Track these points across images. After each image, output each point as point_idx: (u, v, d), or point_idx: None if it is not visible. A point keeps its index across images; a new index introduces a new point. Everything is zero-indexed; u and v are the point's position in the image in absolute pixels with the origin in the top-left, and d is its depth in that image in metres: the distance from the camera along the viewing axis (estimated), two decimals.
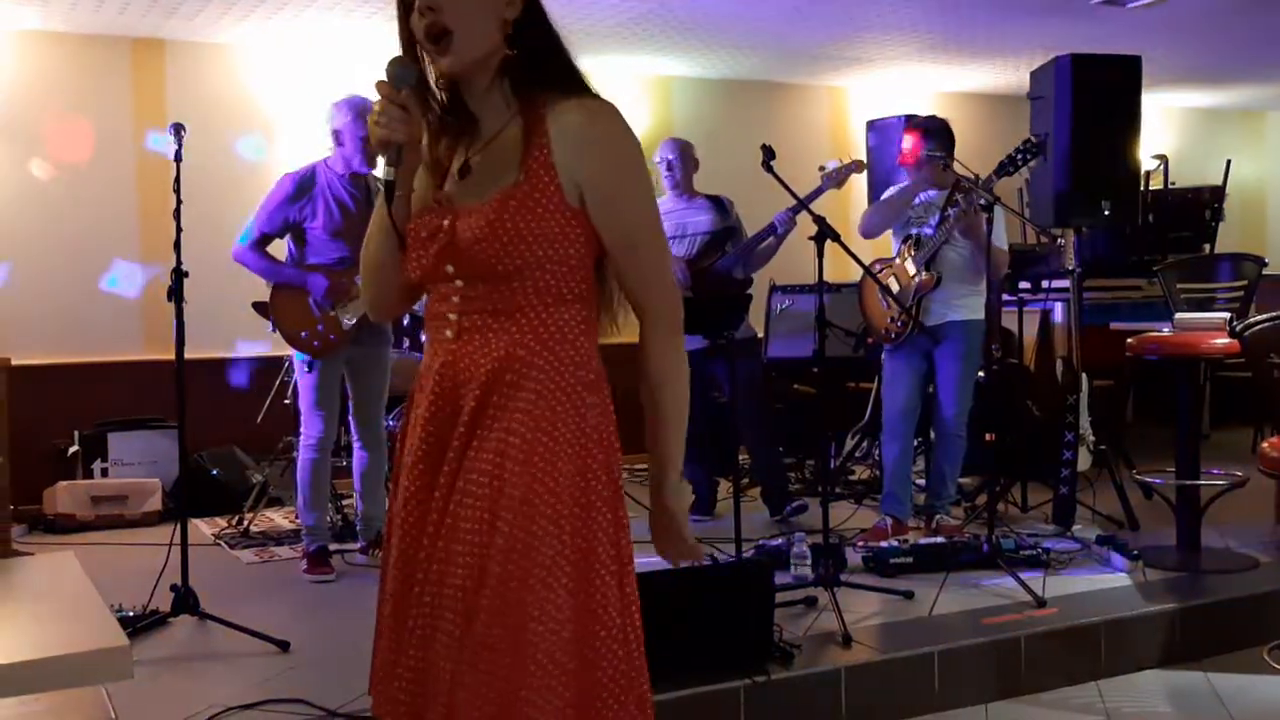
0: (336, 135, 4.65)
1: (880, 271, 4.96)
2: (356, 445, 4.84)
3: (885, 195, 5.20)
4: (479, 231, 1.77)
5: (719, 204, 5.61)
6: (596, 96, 1.88)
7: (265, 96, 6.88)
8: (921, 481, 5.45)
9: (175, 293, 3.97)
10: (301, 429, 4.71)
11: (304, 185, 4.61)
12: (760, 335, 6.13)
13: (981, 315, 4.97)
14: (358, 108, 4.65)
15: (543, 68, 1.86)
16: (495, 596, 1.71)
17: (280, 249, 4.76)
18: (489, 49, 1.82)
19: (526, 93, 1.85)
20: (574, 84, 1.88)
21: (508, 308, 1.80)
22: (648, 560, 3.93)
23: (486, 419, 1.78)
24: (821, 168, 5.28)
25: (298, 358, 4.68)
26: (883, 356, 5.16)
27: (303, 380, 4.67)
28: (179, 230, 4.00)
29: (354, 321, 4.61)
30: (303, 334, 4.61)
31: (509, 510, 1.73)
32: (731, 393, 5.42)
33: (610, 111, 1.87)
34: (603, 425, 1.86)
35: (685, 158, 5.58)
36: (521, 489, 1.74)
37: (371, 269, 1.93)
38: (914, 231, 4.96)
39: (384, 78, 1.81)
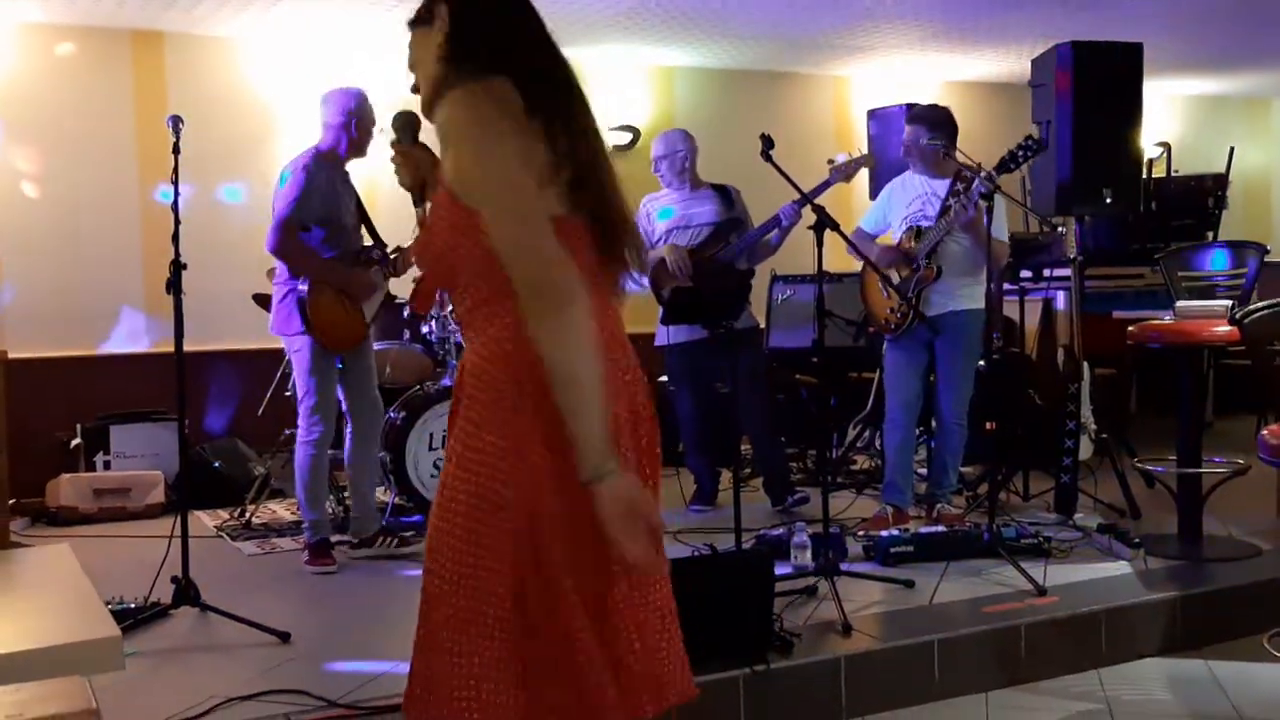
0: (350, 121, 4.65)
1: None
2: (349, 436, 4.83)
3: (858, 237, 5.02)
4: (414, 256, 1.91)
5: (724, 193, 5.61)
6: (463, 85, 1.84)
7: (266, 88, 6.88)
8: (924, 470, 5.44)
9: (174, 285, 3.96)
10: (300, 426, 4.69)
11: (318, 172, 4.59)
12: (762, 325, 6.12)
13: (981, 305, 4.95)
14: (363, 94, 4.67)
15: (456, 73, 1.87)
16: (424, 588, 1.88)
17: None
18: (435, 80, 1.90)
19: None
20: (461, 79, 1.85)
21: (462, 321, 1.88)
22: None
23: (454, 428, 1.86)
24: (830, 161, 5.28)
25: (309, 355, 4.60)
26: (884, 348, 5.16)
27: (306, 381, 4.63)
28: (177, 223, 4.00)
29: (372, 315, 4.63)
30: (339, 331, 4.60)
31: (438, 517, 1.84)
32: (733, 383, 5.42)
33: (454, 96, 1.82)
34: (531, 430, 1.79)
35: (672, 154, 5.56)
36: (451, 496, 1.82)
37: None
38: (914, 224, 4.94)
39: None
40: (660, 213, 5.59)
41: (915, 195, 5.02)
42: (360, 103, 4.67)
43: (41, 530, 5.73)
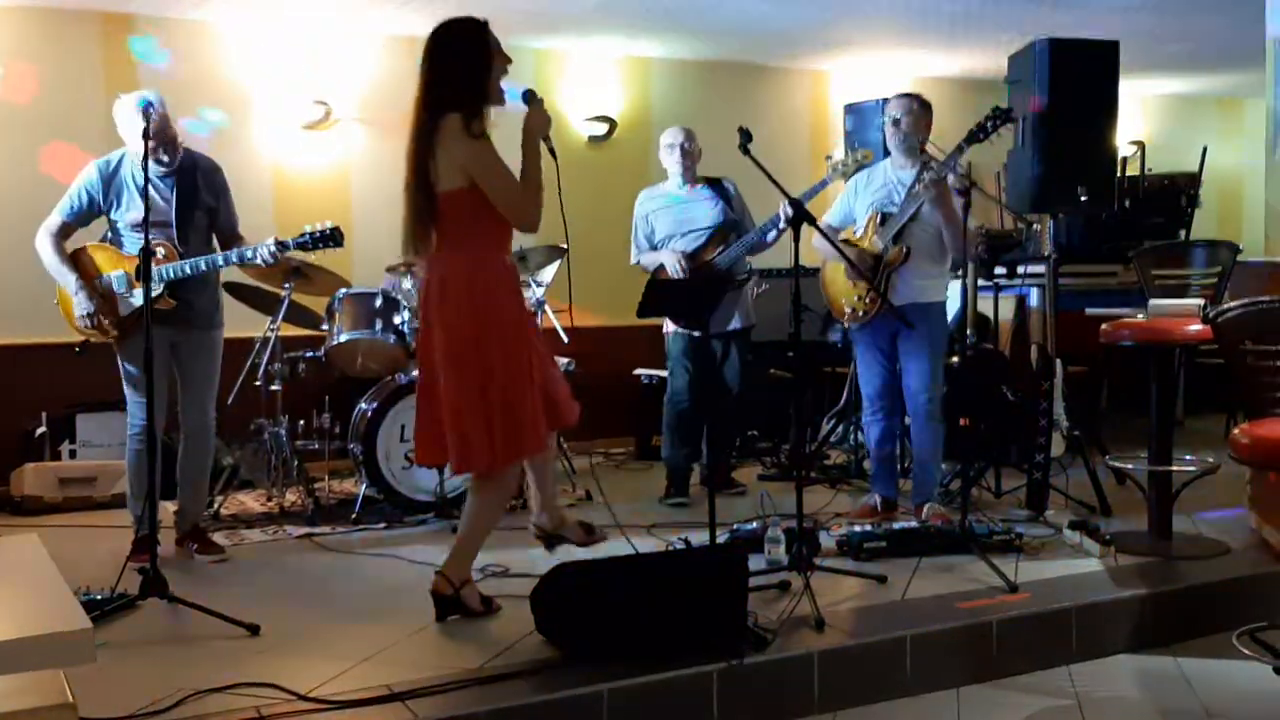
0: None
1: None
2: (182, 433, 4.71)
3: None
4: None
5: (721, 190, 5.60)
6: None
7: (237, 73, 6.80)
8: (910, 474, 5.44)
9: (143, 273, 3.92)
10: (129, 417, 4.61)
11: (108, 173, 4.49)
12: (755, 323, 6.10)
13: (944, 298, 5.01)
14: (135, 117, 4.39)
15: None
16: None
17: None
18: None
19: None
20: None
21: None
22: (626, 544, 3.88)
23: None
24: (829, 158, 5.28)
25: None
26: (850, 336, 5.16)
27: (123, 366, 4.58)
28: (147, 209, 3.95)
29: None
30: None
31: None
32: (721, 378, 5.45)
33: None
34: None
35: (692, 148, 5.60)
36: None
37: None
38: (880, 209, 4.93)
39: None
40: (658, 214, 5.58)
41: (881, 184, 5.03)
42: (132, 109, 4.43)
43: (5, 519, 5.66)
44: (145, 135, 3.94)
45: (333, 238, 4.63)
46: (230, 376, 5.71)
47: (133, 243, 4.45)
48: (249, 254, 4.54)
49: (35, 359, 6.24)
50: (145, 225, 3.96)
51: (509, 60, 3.64)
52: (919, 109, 4.96)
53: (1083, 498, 5.26)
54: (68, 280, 4.54)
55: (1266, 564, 4.33)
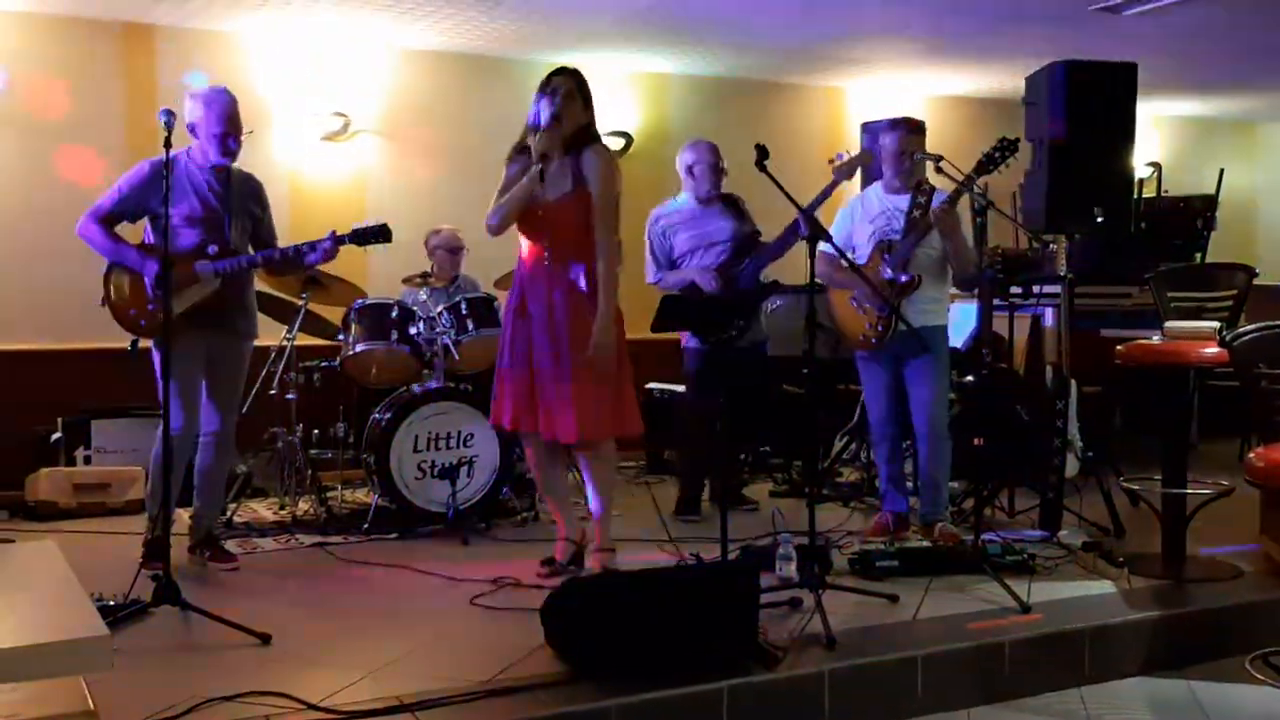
0: (192, 128, 4.55)
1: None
2: (201, 439, 4.69)
3: (827, 260, 4.90)
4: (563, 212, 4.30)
5: (734, 205, 5.58)
6: (598, 140, 4.43)
7: (257, 84, 6.84)
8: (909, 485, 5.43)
9: (163, 280, 3.93)
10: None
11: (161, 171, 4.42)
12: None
13: (946, 320, 5.05)
14: (211, 99, 4.56)
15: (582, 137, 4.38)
16: None
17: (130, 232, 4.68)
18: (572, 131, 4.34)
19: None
20: (591, 138, 4.42)
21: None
22: (634, 559, 3.91)
23: None
24: (831, 161, 5.29)
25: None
26: (857, 363, 5.18)
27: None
28: (167, 216, 3.97)
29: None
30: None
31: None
32: (734, 394, 5.45)
33: (607, 151, 4.43)
34: None
35: (716, 164, 5.53)
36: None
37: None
38: (883, 238, 4.95)
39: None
40: (675, 229, 5.53)
41: (879, 212, 5.03)
42: (201, 104, 4.60)
43: (19, 524, 5.67)
44: (166, 144, 3.95)
45: (382, 233, 4.75)
46: (246, 385, 5.75)
47: (185, 239, 4.47)
48: (305, 248, 4.62)
49: (51, 364, 6.27)
50: (164, 231, 3.98)
51: (542, 93, 4.39)
52: (922, 138, 4.98)
53: (1096, 519, 5.24)
54: (127, 254, 4.52)
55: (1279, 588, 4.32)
